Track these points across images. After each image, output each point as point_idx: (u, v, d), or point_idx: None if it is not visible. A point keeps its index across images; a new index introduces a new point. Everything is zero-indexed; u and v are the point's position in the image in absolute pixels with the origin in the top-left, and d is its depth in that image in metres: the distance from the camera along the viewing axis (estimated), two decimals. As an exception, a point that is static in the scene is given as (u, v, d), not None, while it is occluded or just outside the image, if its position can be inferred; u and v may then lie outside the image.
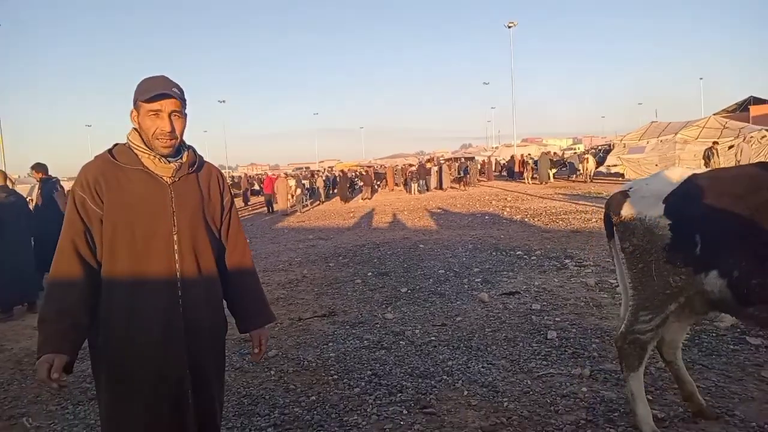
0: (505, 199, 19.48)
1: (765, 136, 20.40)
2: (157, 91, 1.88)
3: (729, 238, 2.52)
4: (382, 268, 8.40)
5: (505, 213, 14.98)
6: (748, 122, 28.22)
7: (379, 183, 32.22)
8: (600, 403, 3.43)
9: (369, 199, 25.06)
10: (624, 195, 2.98)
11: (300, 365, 4.50)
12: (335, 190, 23.93)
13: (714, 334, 4.41)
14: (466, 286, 6.85)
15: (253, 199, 30.94)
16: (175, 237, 1.93)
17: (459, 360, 4.36)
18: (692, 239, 2.61)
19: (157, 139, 1.91)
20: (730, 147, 19.81)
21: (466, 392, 3.75)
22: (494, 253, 8.95)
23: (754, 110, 41.66)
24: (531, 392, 3.68)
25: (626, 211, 2.90)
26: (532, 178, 27.90)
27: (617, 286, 6.18)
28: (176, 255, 1.92)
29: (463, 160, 36.53)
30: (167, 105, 1.89)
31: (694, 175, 2.80)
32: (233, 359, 4.73)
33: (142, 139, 1.95)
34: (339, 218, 17.47)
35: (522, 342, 4.69)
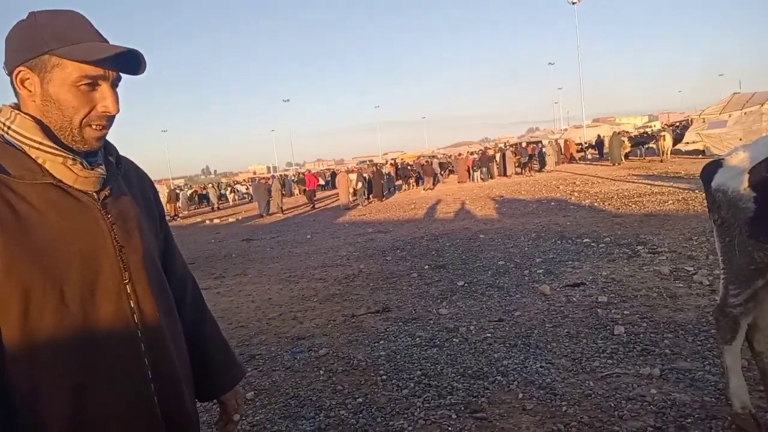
0: (574, 183, 18.57)
1: None
2: (109, 52, 1.12)
3: None
4: (439, 260, 8.19)
5: (573, 198, 14.26)
6: None
7: (443, 173, 31.81)
8: (671, 407, 3.08)
9: (431, 189, 24.77)
10: (716, 165, 2.81)
11: (350, 364, 4.41)
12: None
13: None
14: (526, 278, 6.52)
15: (319, 194, 31.43)
16: (128, 287, 1.22)
17: (515, 359, 4.10)
18: None
19: (91, 126, 1.18)
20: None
21: (521, 395, 3.50)
22: (559, 242, 8.48)
23: None
24: (593, 395, 3.38)
25: (715, 181, 2.76)
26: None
27: (694, 274, 5.66)
28: (133, 311, 1.21)
29: (530, 145, 35.28)
30: (111, 71, 1.17)
31: None
32: (285, 358, 4.72)
33: (42, 128, 1.15)
34: (399, 210, 17.35)
35: (586, 338, 4.35)
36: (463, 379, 3.86)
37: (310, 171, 35.65)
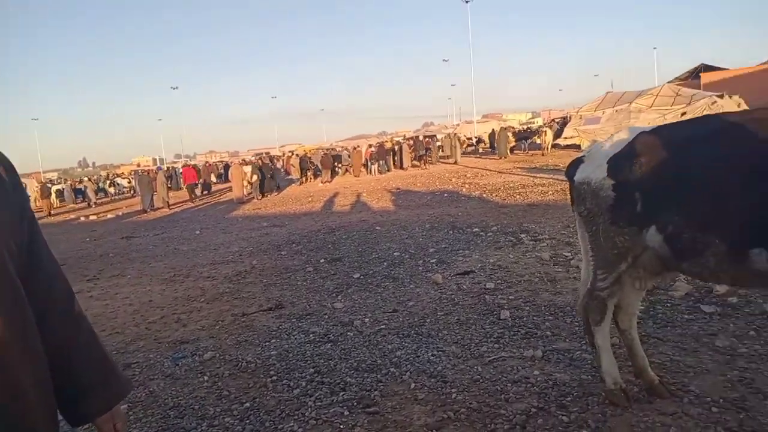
0: (465, 175, 19.35)
1: (715, 102, 20.79)
2: None
3: (662, 194, 2.55)
4: (335, 253, 8.08)
5: (464, 190, 14.83)
6: (700, 89, 28.87)
7: (339, 165, 31.66)
8: (552, 387, 3.22)
9: (329, 182, 24.59)
10: (579, 161, 3.04)
11: (238, 367, 4.16)
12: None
13: (669, 304, 4.28)
14: (420, 268, 6.61)
15: (215, 187, 29.89)
16: None
17: (408, 349, 4.10)
18: (632, 198, 2.66)
19: None
20: (683, 114, 20.11)
21: (413, 385, 3.49)
22: (451, 232, 8.74)
23: (705, 77, 43.00)
24: (481, 380, 3.45)
25: (578, 175, 2.97)
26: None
27: (571, 259, 6.06)
28: None
29: (426, 138, 36.23)
30: None
31: (641, 133, 2.77)
32: (165, 365, 4.35)
33: None
34: (296, 204, 17.01)
35: (474, 324, 4.47)
36: (357, 373, 3.78)
37: (186, 164, 33.84)
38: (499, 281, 5.59)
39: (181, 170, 33.09)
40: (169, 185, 23.51)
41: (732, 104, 20.15)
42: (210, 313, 5.75)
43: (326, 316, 5.16)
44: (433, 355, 3.93)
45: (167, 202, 20.79)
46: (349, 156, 29.78)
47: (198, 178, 26.70)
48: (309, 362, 4.08)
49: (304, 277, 6.87)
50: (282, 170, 31.26)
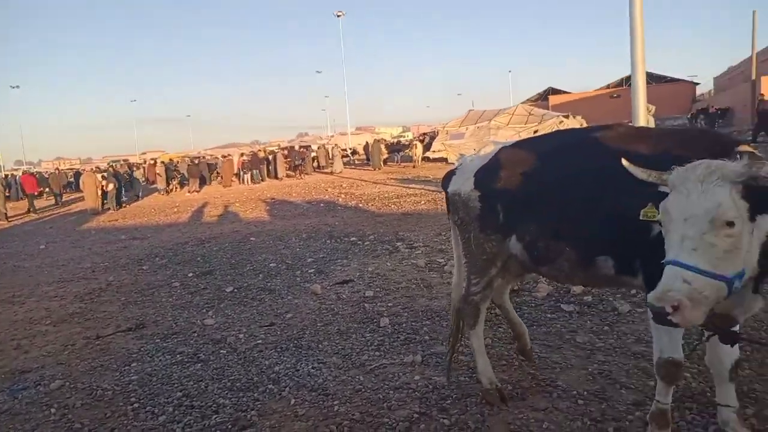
0: (341, 186, 19.46)
1: (562, 121, 23.34)
2: None
3: (520, 205, 2.73)
4: (205, 266, 7.58)
5: (341, 200, 14.87)
6: (549, 109, 32.22)
7: (210, 174, 30.05)
8: (433, 391, 3.27)
9: (197, 192, 23.24)
10: (452, 172, 3.19)
11: (92, 396, 3.67)
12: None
13: (533, 305, 4.60)
14: (298, 279, 6.43)
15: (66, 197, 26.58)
16: None
17: (287, 363, 3.92)
18: (495, 209, 2.84)
19: None
20: (536, 131, 22.21)
21: (293, 401, 3.33)
22: (329, 241, 8.66)
23: (553, 99, 48.53)
24: (363, 389, 3.39)
25: (451, 187, 3.11)
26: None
27: (445, 265, 6.30)
28: None
29: (301, 149, 35.83)
30: None
31: (502, 148, 2.99)
32: (0, 400, 3.71)
33: None
34: (159, 215, 15.79)
35: (355, 333, 4.42)
36: (231, 393, 3.53)
37: (26, 172, 30.10)
38: (378, 289, 5.62)
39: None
40: (7, 194, 20.62)
41: (576, 123, 22.77)
42: (57, 336, 5.04)
43: (195, 334, 4.78)
44: (313, 368, 3.79)
45: (5, 213, 18.16)
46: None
47: (38, 186, 23.78)
48: (176, 385, 3.73)
49: (170, 293, 6.34)
50: (144, 179, 28.91)
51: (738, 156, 1.96)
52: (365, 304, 5.13)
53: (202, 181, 25.47)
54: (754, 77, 29.49)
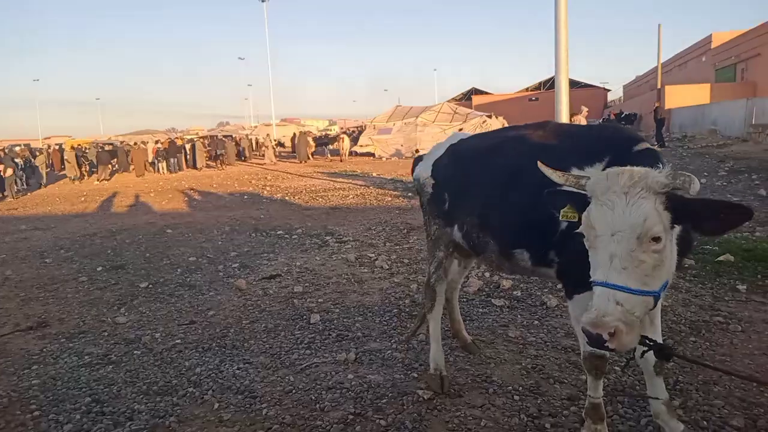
0: (266, 178, 18.88)
1: (485, 120, 24.06)
2: None
3: (460, 196, 2.88)
4: (117, 260, 7.01)
5: (265, 192, 14.40)
6: (472, 109, 33.17)
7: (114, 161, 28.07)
8: (367, 390, 3.16)
9: (107, 180, 21.69)
10: (418, 159, 3.33)
11: (-20, 406, 3.22)
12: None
13: (465, 300, 4.60)
14: (221, 274, 6.09)
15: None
16: None
17: (209, 364, 3.66)
18: (443, 197, 3.01)
19: None
20: (461, 130, 22.75)
21: (216, 405, 3.09)
22: (254, 235, 8.31)
23: (476, 99, 50.19)
24: (294, 390, 3.22)
25: (415, 172, 3.28)
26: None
27: (375, 259, 6.21)
28: None
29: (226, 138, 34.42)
30: None
31: (461, 139, 3.13)
32: None
33: None
34: (65, 204, 14.54)
35: (284, 331, 4.21)
36: (147, 398, 3.22)
37: None
38: (307, 284, 5.43)
39: None
40: None
41: (498, 124, 23.56)
42: (-63, 340, 4.42)
43: (106, 334, 4.37)
44: (239, 369, 3.56)
45: None
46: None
47: None
48: (84, 390, 3.36)
49: (76, 288, 5.78)
50: (47, 166, 26.59)
51: (641, 155, 2.12)
52: (294, 300, 4.92)
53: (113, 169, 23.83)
54: (659, 86, 32.07)
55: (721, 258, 5.03)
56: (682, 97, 31.69)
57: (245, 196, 13.77)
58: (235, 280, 5.67)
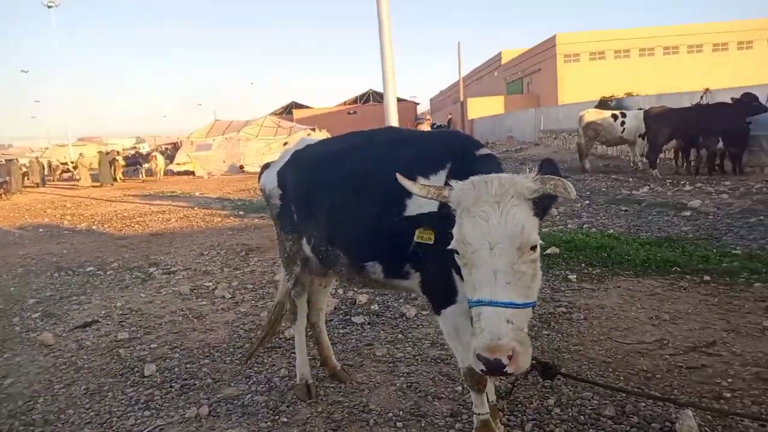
0: (64, 205, 16.34)
1: (310, 134, 24.10)
2: None
3: (306, 208, 2.72)
4: None
5: (66, 222, 12.38)
6: (294, 122, 33.12)
7: None
8: (229, 448, 2.71)
9: None
10: (265, 167, 3.10)
11: None
12: None
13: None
14: (17, 328, 4.93)
15: None
16: None
17: (12, 453, 2.84)
18: (291, 209, 2.84)
19: None
20: (285, 143, 22.40)
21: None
22: (56, 275, 6.99)
23: (297, 113, 50.61)
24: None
25: (261, 180, 3.07)
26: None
27: (215, 289, 5.62)
28: None
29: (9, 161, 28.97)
30: None
31: (307, 145, 2.93)
32: None
33: None
34: None
35: (112, 391, 3.49)
36: None
37: None
38: (134, 328, 4.65)
39: None
40: None
41: (322, 137, 23.78)
42: None
43: None
44: (56, 452, 2.82)
45: None
46: None
47: None
48: None
49: None
50: None
51: (486, 159, 2.19)
52: (120, 350, 4.15)
53: None
54: (461, 98, 35.69)
55: (548, 251, 5.54)
56: (482, 108, 35.88)
57: (40, 229, 11.66)
58: (38, 335, 4.62)
